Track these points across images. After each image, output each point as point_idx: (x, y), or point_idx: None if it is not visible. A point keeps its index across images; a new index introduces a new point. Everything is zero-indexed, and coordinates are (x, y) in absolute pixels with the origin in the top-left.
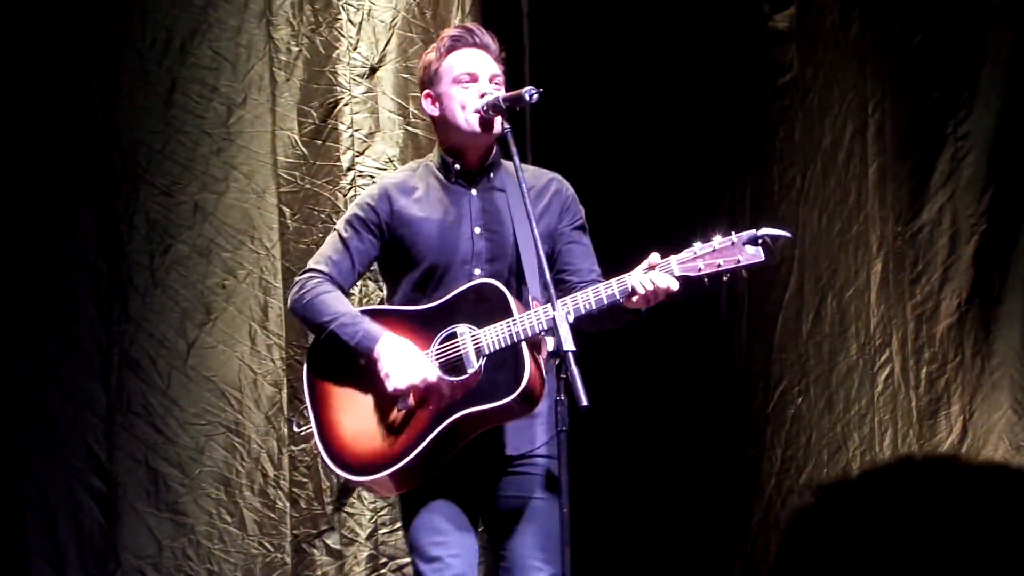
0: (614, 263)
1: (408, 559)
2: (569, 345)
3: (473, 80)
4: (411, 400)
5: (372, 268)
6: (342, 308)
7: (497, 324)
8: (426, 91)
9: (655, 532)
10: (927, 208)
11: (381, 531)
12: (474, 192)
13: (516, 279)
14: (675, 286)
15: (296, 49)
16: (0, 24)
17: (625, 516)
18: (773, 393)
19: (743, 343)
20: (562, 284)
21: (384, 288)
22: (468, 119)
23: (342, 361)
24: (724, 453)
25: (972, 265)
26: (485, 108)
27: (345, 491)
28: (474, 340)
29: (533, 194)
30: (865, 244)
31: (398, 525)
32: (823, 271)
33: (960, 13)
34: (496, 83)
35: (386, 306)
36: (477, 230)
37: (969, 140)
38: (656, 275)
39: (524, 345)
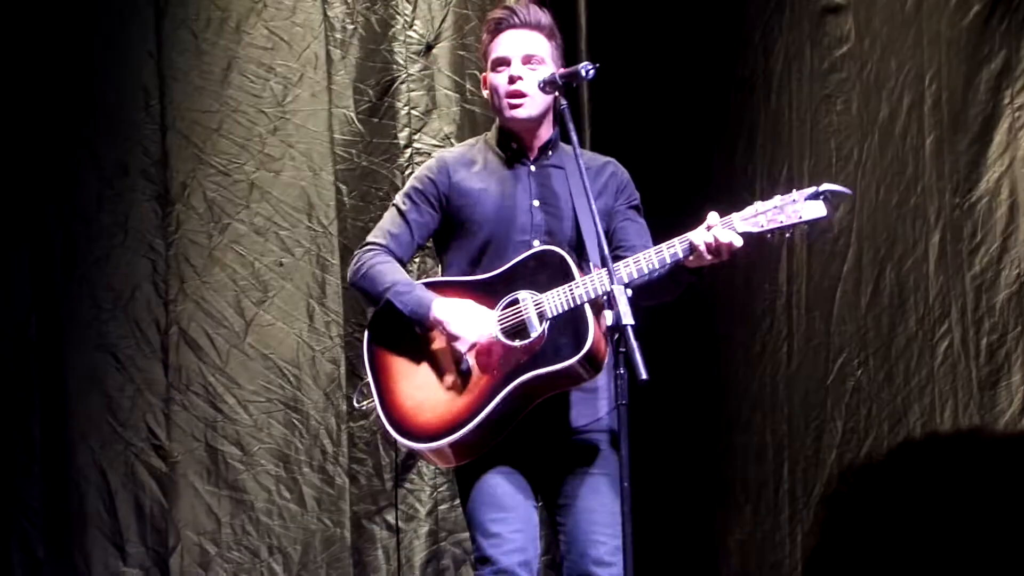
0: (674, 235)
1: (467, 534)
2: (628, 319)
3: (504, 64)
4: (474, 358)
5: (429, 243)
6: (397, 277)
7: (559, 288)
8: (484, 74)
9: (716, 505)
10: (985, 179)
11: (441, 507)
12: (532, 168)
13: (576, 252)
14: (739, 241)
15: (352, 27)
16: (57, 7)
17: (685, 489)
18: (833, 365)
19: (802, 316)
20: (618, 262)
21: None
22: (499, 104)
23: (401, 330)
24: (784, 426)
25: None
26: (542, 84)
27: (405, 467)
28: (536, 305)
29: (590, 174)
30: (923, 216)
31: (458, 501)
32: (881, 243)
33: None
34: (533, 63)
35: (447, 277)
36: (535, 203)
37: None
38: (719, 231)
39: (587, 308)
